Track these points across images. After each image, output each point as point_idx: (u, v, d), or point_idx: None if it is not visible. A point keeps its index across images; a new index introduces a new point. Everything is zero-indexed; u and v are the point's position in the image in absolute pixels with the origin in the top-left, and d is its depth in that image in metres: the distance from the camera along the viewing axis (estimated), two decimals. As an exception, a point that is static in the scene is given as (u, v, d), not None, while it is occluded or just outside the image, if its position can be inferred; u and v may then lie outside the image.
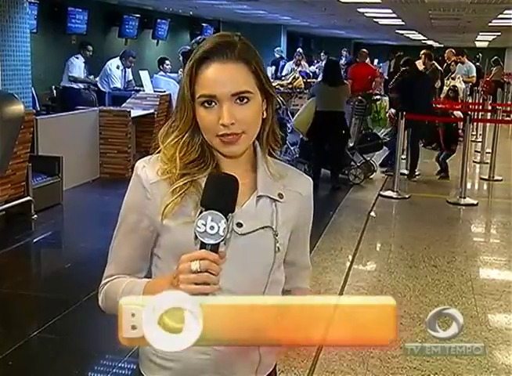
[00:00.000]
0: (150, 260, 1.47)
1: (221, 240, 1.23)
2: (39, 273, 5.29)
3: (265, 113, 1.41)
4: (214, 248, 1.23)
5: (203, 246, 1.23)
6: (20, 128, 5.79)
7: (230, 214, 1.26)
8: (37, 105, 8.71)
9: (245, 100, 1.34)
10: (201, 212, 1.25)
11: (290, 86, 10.41)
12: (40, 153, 6.63)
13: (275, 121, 1.46)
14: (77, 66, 9.72)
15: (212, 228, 1.22)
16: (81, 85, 9.70)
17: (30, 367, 3.45)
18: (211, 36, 1.43)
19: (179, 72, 8.89)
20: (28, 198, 6.03)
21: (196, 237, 1.24)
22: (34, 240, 5.83)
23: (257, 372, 1.45)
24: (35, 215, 6.04)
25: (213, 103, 1.34)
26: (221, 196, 1.27)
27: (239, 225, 1.37)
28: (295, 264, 1.54)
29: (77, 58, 9.73)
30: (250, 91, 1.35)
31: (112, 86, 9.82)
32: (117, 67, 9.92)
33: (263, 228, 1.40)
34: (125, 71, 10.03)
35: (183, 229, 1.35)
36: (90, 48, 9.98)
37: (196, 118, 1.38)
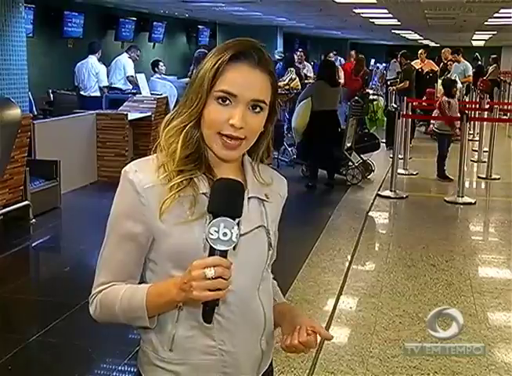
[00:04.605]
0: (143, 266, 1.44)
1: (233, 246, 1.25)
2: (38, 277, 5.28)
3: (263, 128, 1.43)
4: (224, 254, 1.25)
5: (212, 252, 1.24)
6: (17, 132, 5.79)
7: (238, 219, 1.28)
8: (35, 109, 8.70)
9: (258, 109, 1.37)
10: (210, 218, 1.26)
11: (286, 87, 10.40)
12: (37, 157, 6.63)
13: (271, 139, 1.48)
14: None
15: (225, 234, 1.24)
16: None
17: (30, 371, 3.45)
18: (237, 39, 1.41)
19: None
20: (26, 202, 6.02)
21: (204, 244, 1.26)
22: (33, 244, 5.83)
23: (260, 367, 1.49)
24: (33, 219, 6.03)
25: (228, 101, 1.35)
26: (230, 202, 1.29)
27: None
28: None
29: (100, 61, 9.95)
30: (265, 102, 1.38)
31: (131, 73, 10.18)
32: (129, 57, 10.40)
33: (258, 227, 1.43)
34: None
35: (180, 231, 1.35)
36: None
37: (202, 112, 1.38)
